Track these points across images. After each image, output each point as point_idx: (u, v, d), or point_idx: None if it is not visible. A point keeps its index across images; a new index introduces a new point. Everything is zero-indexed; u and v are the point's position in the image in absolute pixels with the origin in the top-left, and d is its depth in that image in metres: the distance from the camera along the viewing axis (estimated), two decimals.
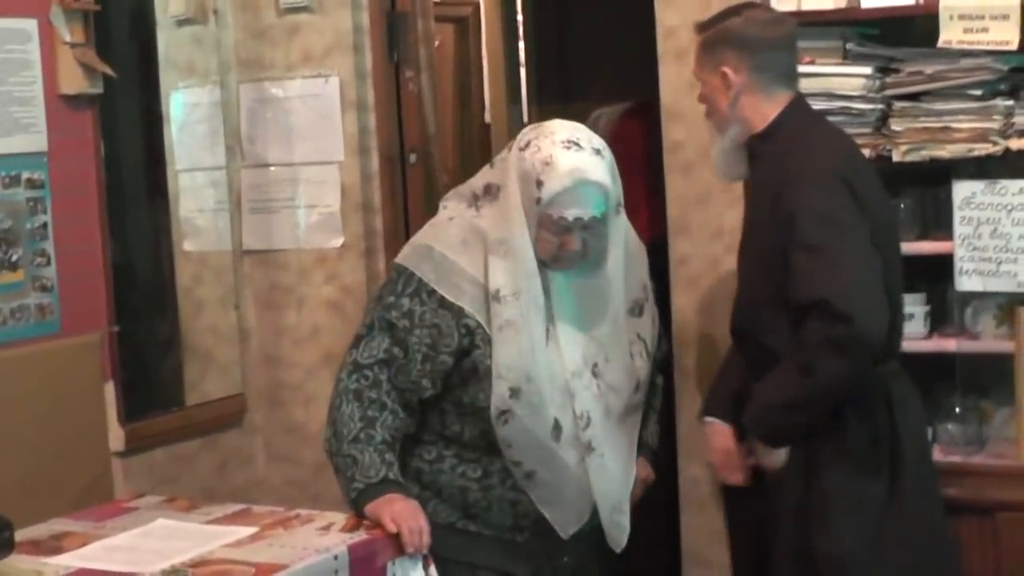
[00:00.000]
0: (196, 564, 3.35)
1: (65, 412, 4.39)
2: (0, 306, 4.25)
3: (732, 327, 3.81)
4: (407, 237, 5.13)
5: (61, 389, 4.39)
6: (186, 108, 5.25)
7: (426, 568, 3.60)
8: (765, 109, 3.67)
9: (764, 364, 3.59)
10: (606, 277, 3.68)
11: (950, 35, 4.00)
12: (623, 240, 3.71)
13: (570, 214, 3.54)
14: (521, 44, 7.38)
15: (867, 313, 3.35)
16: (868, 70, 4.14)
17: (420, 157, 5.30)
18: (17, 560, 3.42)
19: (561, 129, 3.62)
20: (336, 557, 3.40)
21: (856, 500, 3.55)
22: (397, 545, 3.53)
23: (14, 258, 4.29)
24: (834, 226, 3.44)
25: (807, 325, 3.39)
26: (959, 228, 4.07)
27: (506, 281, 3.60)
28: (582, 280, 3.67)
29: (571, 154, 3.54)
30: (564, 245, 3.58)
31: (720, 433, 3.93)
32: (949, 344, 4.21)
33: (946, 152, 4.06)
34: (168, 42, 5.19)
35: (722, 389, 3.98)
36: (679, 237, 4.70)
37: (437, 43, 6.23)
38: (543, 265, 3.61)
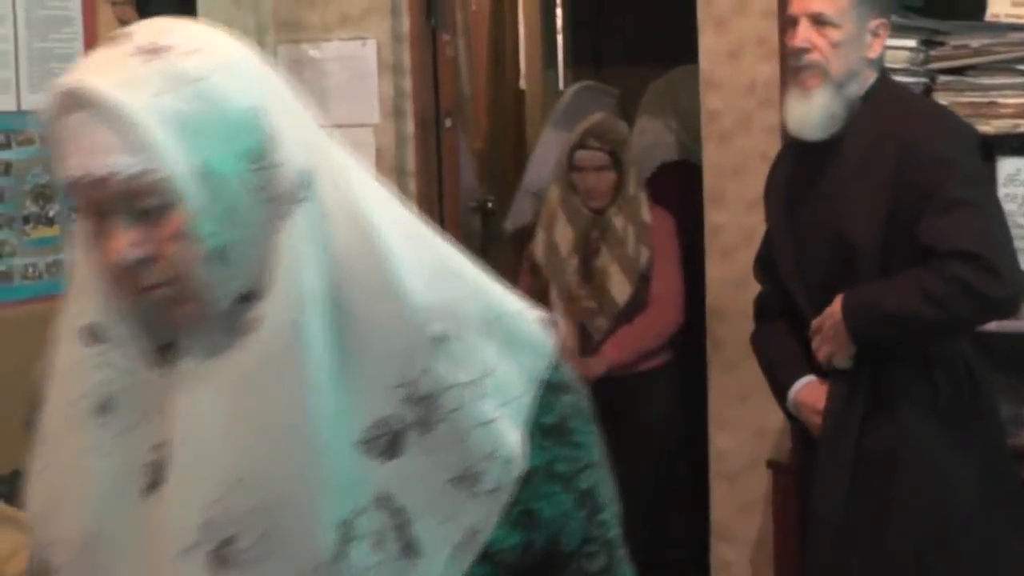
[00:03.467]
0: None
1: None
2: (36, 260, 4.34)
3: (808, 284, 3.72)
4: (441, 201, 5.21)
5: None
6: None
7: None
8: (868, 74, 3.64)
9: None
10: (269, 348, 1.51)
11: (998, 8, 4.00)
12: (313, 257, 1.53)
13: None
14: (558, 10, 7.43)
15: (1014, 277, 3.42)
16: (912, 43, 4.13)
17: (455, 121, 5.35)
18: None
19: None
20: None
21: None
22: None
23: (51, 213, 4.38)
24: (982, 186, 3.53)
25: (951, 266, 3.38)
26: (1003, 205, 4.07)
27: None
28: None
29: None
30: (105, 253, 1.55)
31: (821, 390, 3.73)
32: (990, 324, 4.20)
33: (991, 128, 4.03)
34: (207, 1, 5.24)
35: (791, 351, 3.84)
36: (714, 207, 4.73)
37: (474, 7, 6.30)
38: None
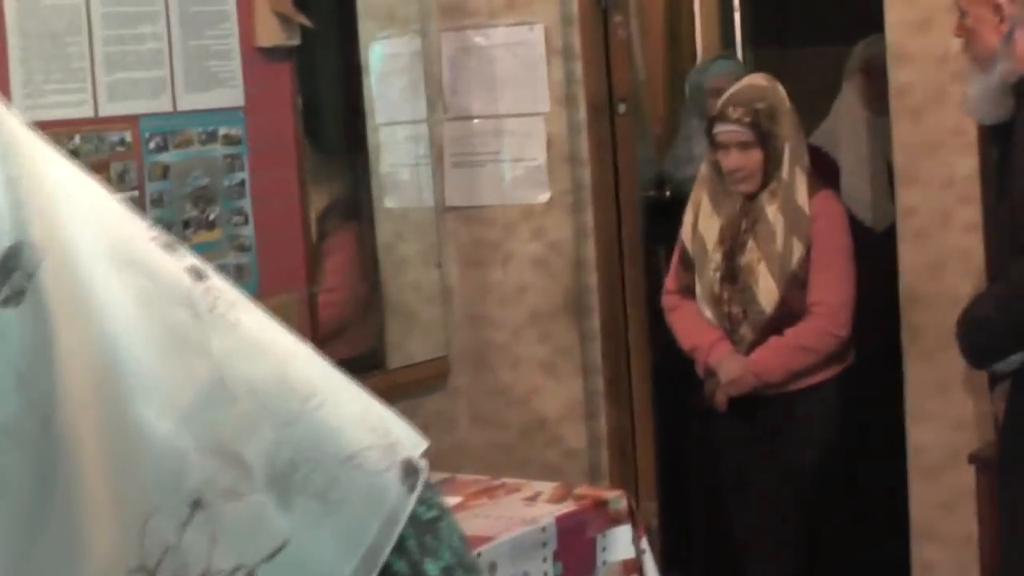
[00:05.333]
0: None
1: None
2: None
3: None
4: (616, 191, 5.10)
5: None
6: (385, 59, 5.26)
7: (636, 540, 3.57)
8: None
9: None
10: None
11: None
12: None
13: None
14: None
15: None
16: None
17: (629, 106, 5.24)
18: None
19: None
20: (544, 529, 3.38)
21: None
22: (607, 516, 3.50)
23: (211, 216, 4.34)
24: None
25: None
26: None
27: None
28: None
29: None
30: None
31: None
32: None
33: None
34: None
35: None
36: (906, 187, 4.59)
37: None
38: None
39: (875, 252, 4.82)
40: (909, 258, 4.60)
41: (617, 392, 5.12)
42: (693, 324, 4.73)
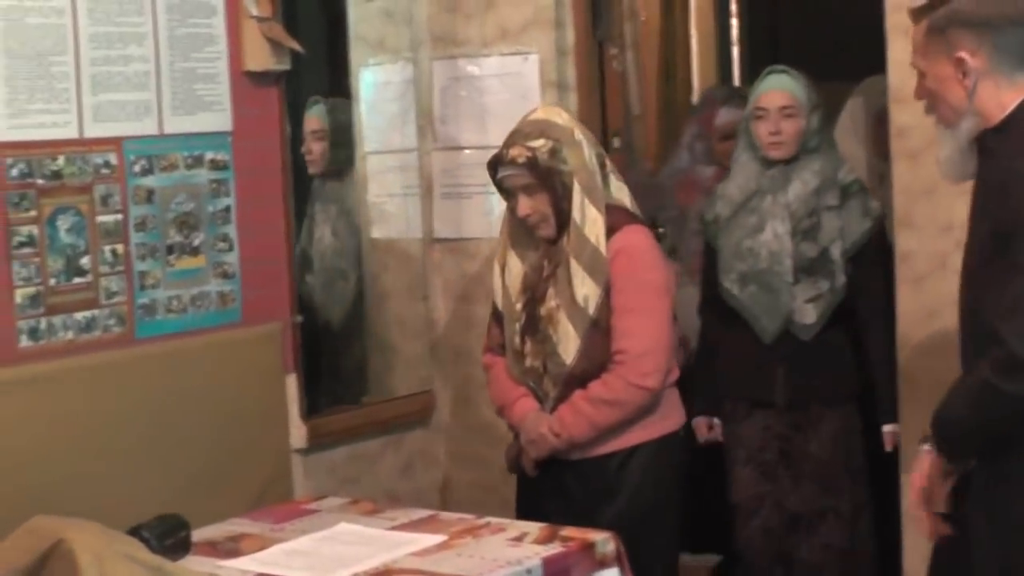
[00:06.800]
0: (380, 573, 3.34)
1: (245, 405, 4.42)
2: (180, 292, 4.29)
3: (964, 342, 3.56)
4: None
5: (241, 381, 4.41)
6: (376, 86, 5.25)
7: None
8: (1005, 97, 3.37)
9: None
10: None
11: None
12: None
13: None
14: (733, 20, 7.29)
15: None
16: None
17: (624, 141, 5.24)
18: (194, 562, 3.45)
19: None
20: (529, 571, 3.36)
21: None
22: (593, 559, 3.48)
23: (195, 242, 4.32)
24: None
25: (984, 354, 3.24)
26: None
27: None
28: None
29: None
30: None
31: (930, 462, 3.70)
32: None
33: None
34: (358, 16, 5.19)
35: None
36: (904, 231, 4.59)
37: (643, 18, 6.18)
38: None
39: None
40: (906, 303, 4.59)
41: None
42: (501, 382, 4.33)
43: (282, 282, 4.60)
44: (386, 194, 5.29)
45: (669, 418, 4.24)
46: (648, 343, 4.09)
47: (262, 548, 3.60)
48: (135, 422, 4.09)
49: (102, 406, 4.03)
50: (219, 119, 4.39)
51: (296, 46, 4.53)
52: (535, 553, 3.43)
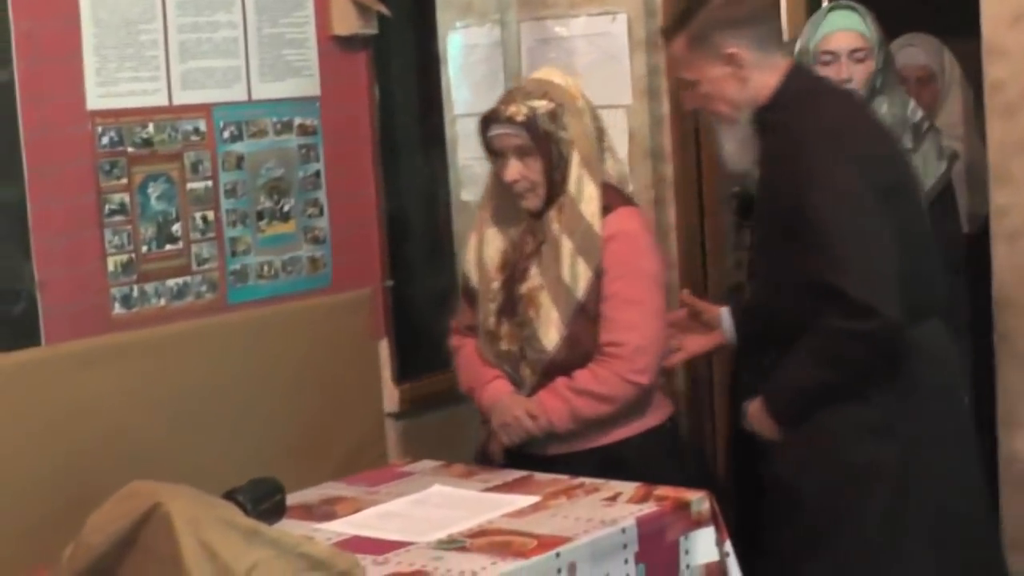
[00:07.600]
0: (474, 534, 3.36)
1: (337, 370, 4.45)
2: (272, 258, 4.33)
3: (749, 304, 3.93)
4: (700, 186, 5.08)
5: (333, 346, 4.44)
6: (464, 49, 5.26)
7: (719, 543, 3.55)
8: (769, 79, 3.72)
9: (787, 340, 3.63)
10: None
11: None
12: None
13: None
14: None
15: (886, 302, 3.45)
16: None
17: None
18: (289, 526, 3.48)
19: None
20: (624, 530, 3.37)
21: (869, 466, 3.61)
22: (689, 518, 3.48)
23: (286, 208, 4.36)
24: (845, 202, 3.52)
25: (825, 312, 3.49)
26: None
27: None
28: None
29: None
30: None
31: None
32: None
33: None
34: None
35: None
36: (1000, 187, 4.53)
37: None
38: None
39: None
40: (1002, 259, 4.54)
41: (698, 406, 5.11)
42: (472, 363, 4.07)
43: (372, 247, 4.62)
44: (476, 157, 5.29)
45: (654, 413, 4.01)
46: (646, 338, 3.87)
47: (357, 511, 3.63)
48: (228, 388, 4.14)
49: (195, 372, 4.08)
50: (307, 84, 4.42)
51: (383, 9, 4.54)
52: (629, 513, 3.43)
